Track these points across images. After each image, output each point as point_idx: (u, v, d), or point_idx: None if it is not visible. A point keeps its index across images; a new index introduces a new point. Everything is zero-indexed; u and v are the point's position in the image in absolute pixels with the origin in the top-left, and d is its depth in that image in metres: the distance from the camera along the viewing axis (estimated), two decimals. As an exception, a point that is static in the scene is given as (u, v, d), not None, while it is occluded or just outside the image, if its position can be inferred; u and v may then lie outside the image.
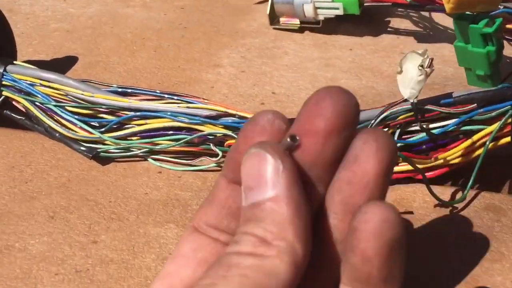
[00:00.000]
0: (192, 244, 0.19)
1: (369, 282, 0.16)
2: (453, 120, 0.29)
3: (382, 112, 0.29)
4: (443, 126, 0.29)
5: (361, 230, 0.16)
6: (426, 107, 0.29)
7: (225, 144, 0.33)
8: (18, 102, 0.36)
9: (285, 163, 0.17)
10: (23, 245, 0.29)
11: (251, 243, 0.16)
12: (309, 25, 0.47)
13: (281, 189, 0.16)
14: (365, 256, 0.16)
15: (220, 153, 0.33)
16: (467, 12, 0.31)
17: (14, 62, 0.37)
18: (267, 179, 0.17)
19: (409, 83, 0.28)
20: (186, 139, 0.33)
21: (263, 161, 0.17)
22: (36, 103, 0.35)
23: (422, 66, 0.27)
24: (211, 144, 0.33)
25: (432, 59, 0.28)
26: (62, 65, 0.44)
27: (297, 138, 0.17)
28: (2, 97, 0.36)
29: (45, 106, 0.35)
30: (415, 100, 0.28)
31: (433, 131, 0.29)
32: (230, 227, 0.19)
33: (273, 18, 0.47)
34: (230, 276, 0.16)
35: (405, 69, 0.28)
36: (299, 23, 0.47)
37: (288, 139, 0.17)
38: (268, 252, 0.16)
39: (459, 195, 0.30)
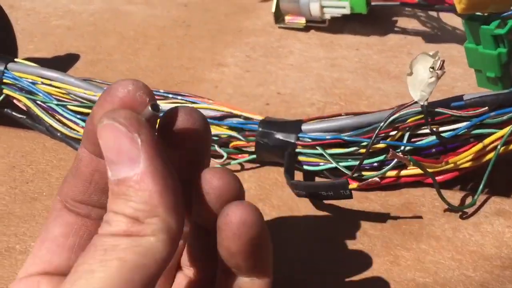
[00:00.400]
0: (62, 228, 0.19)
1: (240, 270, 0.19)
2: (464, 124, 0.28)
3: (391, 115, 0.28)
4: (453, 129, 0.28)
5: (224, 230, 0.18)
6: (436, 109, 0.28)
7: (230, 145, 0.32)
8: (19, 100, 0.36)
9: (143, 135, 0.16)
10: (24, 247, 0.29)
11: (124, 224, 0.16)
12: (314, 24, 0.46)
13: (144, 164, 0.16)
14: (230, 252, 0.18)
15: (225, 155, 0.32)
16: (478, 13, 0.30)
17: (15, 60, 0.36)
18: (127, 153, 0.16)
19: (419, 85, 0.27)
20: (190, 140, 0.32)
21: (118, 134, 0.16)
22: (38, 101, 0.35)
23: (433, 68, 0.27)
24: (216, 146, 0.32)
25: (443, 61, 0.27)
26: (64, 62, 0.44)
27: (160, 107, 0.16)
28: (3, 96, 0.36)
29: (47, 105, 0.34)
30: (426, 103, 0.28)
31: (443, 134, 0.28)
32: (102, 201, 0.19)
33: (278, 16, 0.47)
34: (108, 260, 0.15)
35: (415, 71, 0.28)
36: (304, 22, 0.46)
37: (150, 108, 0.16)
38: (143, 231, 0.16)
39: (469, 200, 0.30)
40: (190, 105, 0.33)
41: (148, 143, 0.16)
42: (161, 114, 0.17)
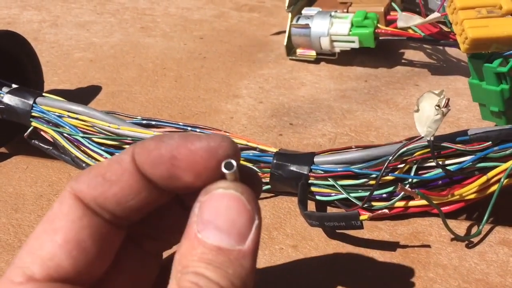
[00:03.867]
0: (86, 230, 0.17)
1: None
2: (469, 157, 0.30)
3: (399, 149, 0.30)
4: (459, 163, 0.30)
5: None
6: (442, 144, 0.30)
7: (246, 176, 0.34)
8: (46, 132, 0.38)
9: (259, 220, 0.17)
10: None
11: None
12: (325, 57, 0.48)
13: (250, 244, 0.17)
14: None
15: (241, 185, 0.34)
16: (482, 52, 0.32)
17: (43, 94, 0.38)
18: (239, 228, 0.17)
19: (425, 121, 0.29)
20: (208, 171, 0.34)
21: (242, 209, 0.17)
22: (64, 134, 0.37)
23: (438, 106, 0.28)
24: (232, 176, 0.34)
25: (448, 99, 0.29)
26: (87, 94, 0.46)
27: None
28: (31, 128, 0.38)
29: (73, 137, 0.36)
30: (432, 138, 0.29)
31: (449, 167, 0.30)
32: (130, 218, 0.18)
33: (290, 49, 0.49)
34: None
35: (421, 108, 0.29)
36: (315, 54, 0.48)
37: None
38: None
39: (474, 229, 0.31)
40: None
41: (259, 226, 0.17)
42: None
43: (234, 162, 0.17)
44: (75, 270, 0.17)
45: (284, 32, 0.49)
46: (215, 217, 0.17)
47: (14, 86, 0.38)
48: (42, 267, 0.17)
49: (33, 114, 0.37)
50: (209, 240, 0.17)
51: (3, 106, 0.38)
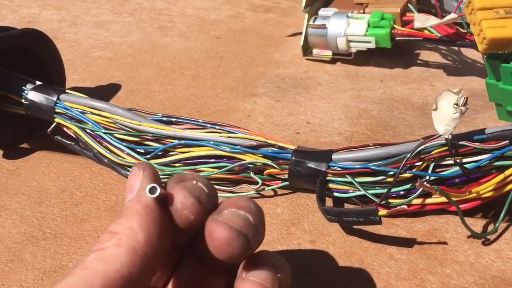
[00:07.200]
0: None
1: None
2: (486, 156, 0.30)
3: (417, 146, 0.31)
4: (476, 161, 0.30)
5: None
6: (460, 142, 0.30)
7: (265, 173, 0.35)
8: (68, 128, 0.38)
9: (145, 171, 0.21)
10: (75, 265, 0.31)
11: (106, 238, 0.19)
12: (341, 57, 0.48)
13: (137, 192, 0.20)
14: None
15: (260, 181, 0.34)
16: (499, 52, 0.32)
17: (67, 91, 0.39)
18: (131, 184, 0.21)
19: (443, 120, 0.29)
20: (227, 167, 0.34)
21: (133, 172, 0.21)
22: (87, 130, 0.38)
23: (457, 104, 0.29)
24: (251, 173, 0.34)
25: (467, 98, 0.29)
26: (107, 92, 0.47)
27: (157, 189, 0.21)
28: (54, 124, 0.39)
29: (95, 133, 0.37)
30: (450, 136, 0.30)
31: (467, 165, 0.30)
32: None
33: (306, 49, 0.49)
34: (72, 273, 0.19)
35: (440, 106, 0.30)
36: (331, 54, 0.48)
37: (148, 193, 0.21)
38: (110, 243, 0.19)
39: (490, 227, 0.31)
40: (227, 134, 0.35)
41: (146, 177, 0.21)
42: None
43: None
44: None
45: (300, 33, 0.50)
46: (127, 189, 0.21)
47: (38, 83, 0.39)
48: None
49: (56, 110, 0.38)
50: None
51: (28, 103, 0.38)
